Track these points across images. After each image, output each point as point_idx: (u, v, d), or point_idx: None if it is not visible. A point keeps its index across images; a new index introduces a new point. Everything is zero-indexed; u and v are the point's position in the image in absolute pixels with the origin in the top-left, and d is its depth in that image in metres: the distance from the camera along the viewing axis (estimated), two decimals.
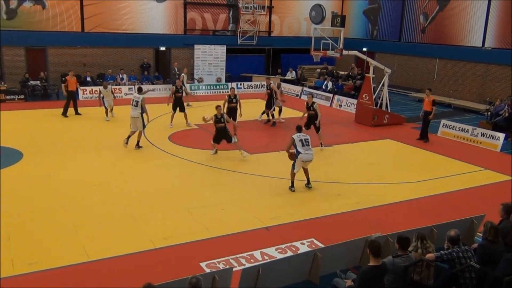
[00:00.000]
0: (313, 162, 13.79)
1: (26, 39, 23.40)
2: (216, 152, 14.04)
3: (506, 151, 15.74)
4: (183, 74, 22.43)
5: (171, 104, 17.59)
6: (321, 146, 14.99)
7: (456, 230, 6.64)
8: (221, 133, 13.69)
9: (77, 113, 18.90)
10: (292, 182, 11.39)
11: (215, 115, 13.61)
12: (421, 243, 6.73)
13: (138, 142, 14.37)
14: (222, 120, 13.62)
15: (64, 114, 18.57)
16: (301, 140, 11.12)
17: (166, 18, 26.78)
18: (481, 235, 7.19)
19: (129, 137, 14.14)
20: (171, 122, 17.28)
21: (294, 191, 11.29)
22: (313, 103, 15.13)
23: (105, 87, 18.45)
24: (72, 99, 18.78)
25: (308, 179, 11.61)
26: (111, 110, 18.50)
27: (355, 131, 18.25)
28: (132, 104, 14.22)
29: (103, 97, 18.18)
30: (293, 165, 11.29)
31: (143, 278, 6.01)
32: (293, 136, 11.21)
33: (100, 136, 15.78)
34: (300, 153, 11.06)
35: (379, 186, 12.05)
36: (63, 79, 19.32)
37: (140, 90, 14.95)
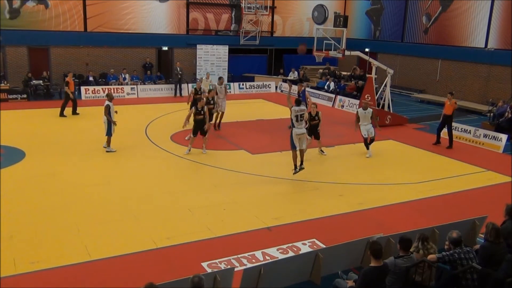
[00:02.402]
0: (315, 162, 13.85)
1: (29, 39, 23.43)
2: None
3: (509, 152, 15.69)
4: (204, 78, 21.65)
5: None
6: (322, 152, 14.62)
7: (458, 232, 6.63)
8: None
9: (75, 113, 18.94)
10: (295, 165, 11.79)
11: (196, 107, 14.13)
12: (422, 244, 6.73)
13: (219, 123, 16.90)
14: (202, 112, 14.09)
15: (62, 114, 18.59)
16: (296, 116, 11.58)
17: (169, 18, 26.80)
18: (483, 236, 7.18)
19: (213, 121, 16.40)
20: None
21: (296, 172, 11.75)
22: (317, 112, 14.31)
23: (111, 99, 13.89)
24: (72, 99, 18.88)
25: (301, 160, 11.86)
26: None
27: (357, 132, 18.18)
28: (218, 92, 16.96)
29: (110, 117, 13.66)
30: (291, 144, 11.75)
31: (144, 278, 6.01)
32: (293, 108, 11.70)
33: (102, 135, 15.75)
34: (294, 127, 11.60)
35: (381, 186, 12.04)
36: (66, 81, 18.98)
37: (219, 79, 17.58)
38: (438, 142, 16.29)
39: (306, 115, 12.75)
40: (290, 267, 7.13)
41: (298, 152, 11.80)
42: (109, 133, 13.75)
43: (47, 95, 22.59)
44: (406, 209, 10.62)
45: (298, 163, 11.88)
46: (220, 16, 28.36)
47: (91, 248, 8.19)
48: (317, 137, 14.36)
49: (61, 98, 22.18)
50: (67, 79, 19.11)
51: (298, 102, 11.95)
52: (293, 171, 11.83)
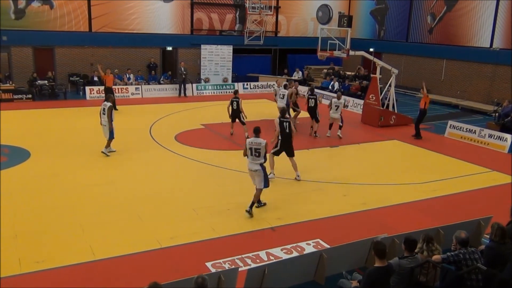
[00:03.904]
0: (319, 162, 13.83)
1: (34, 39, 23.52)
2: None
3: None
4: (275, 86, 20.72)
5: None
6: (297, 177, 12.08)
7: (466, 232, 6.61)
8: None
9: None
10: (256, 202, 9.99)
11: None
12: (426, 246, 6.70)
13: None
14: None
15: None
16: (251, 148, 9.69)
17: (173, 18, 26.84)
18: (488, 236, 7.15)
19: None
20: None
21: (251, 210, 9.78)
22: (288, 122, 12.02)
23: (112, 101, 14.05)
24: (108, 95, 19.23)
25: (252, 202, 9.81)
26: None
27: (362, 132, 18.20)
28: (280, 97, 17.18)
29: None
30: None
31: (149, 278, 6.02)
32: (248, 139, 9.96)
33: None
34: (249, 162, 9.84)
35: (385, 187, 12.01)
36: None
37: (285, 87, 17.49)
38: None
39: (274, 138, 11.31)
40: (294, 267, 7.12)
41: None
42: (112, 136, 13.56)
43: (52, 95, 22.66)
44: (410, 210, 10.58)
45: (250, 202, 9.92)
46: (225, 16, 28.37)
47: (95, 247, 8.21)
48: (291, 153, 11.96)
49: (66, 98, 22.45)
50: (104, 76, 19.75)
51: (256, 132, 9.86)
52: (257, 205, 10.10)
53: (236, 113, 15.84)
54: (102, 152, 13.55)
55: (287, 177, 12.18)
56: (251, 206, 9.76)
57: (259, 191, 9.86)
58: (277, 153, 11.94)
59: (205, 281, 5.20)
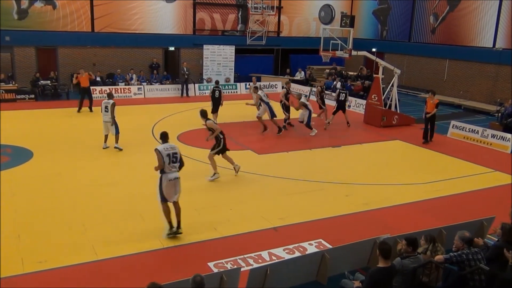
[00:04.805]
0: (321, 162, 13.80)
1: (37, 39, 23.59)
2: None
3: None
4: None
5: None
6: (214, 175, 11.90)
7: (469, 232, 6.62)
8: None
9: (91, 110, 19.48)
10: (170, 223, 8.59)
11: None
12: (433, 246, 6.70)
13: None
14: None
15: (78, 110, 19.37)
16: (168, 155, 8.47)
17: (175, 18, 26.86)
18: (491, 237, 7.15)
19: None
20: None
21: (172, 234, 8.59)
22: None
23: (112, 97, 14.35)
24: (82, 96, 19.51)
25: (179, 220, 8.63)
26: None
27: (364, 132, 18.17)
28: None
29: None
30: (160, 195, 8.47)
31: (151, 278, 6.02)
32: (157, 148, 8.51)
33: (109, 135, 15.81)
34: (165, 172, 8.44)
35: (387, 187, 11.99)
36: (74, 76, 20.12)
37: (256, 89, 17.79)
38: (427, 141, 16.46)
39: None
40: (297, 267, 7.12)
41: (171, 206, 8.62)
42: (118, 131, 14.04)
43: (54, 95, 22.72)
44: (413, 210, 10.57)
45: (174, 221, 8.65)
46: (227, 16, 28.39)
47: (98, 247, 8.23)
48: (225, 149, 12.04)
49: (69, 98, 22.50)
50: (77, 75, 19.78)
51: (164, 137, 8.78)
52: (168, 232, 8.60)
53: (217, 102, 17.25)
54: (115, 147, 14.03)
55: (289, 177, 12.18)
56: (179, 226, 8.63)
57: (178, 205, 8.65)
58: (222, 151, 11.95)
59: (203, 280, 5.25)
